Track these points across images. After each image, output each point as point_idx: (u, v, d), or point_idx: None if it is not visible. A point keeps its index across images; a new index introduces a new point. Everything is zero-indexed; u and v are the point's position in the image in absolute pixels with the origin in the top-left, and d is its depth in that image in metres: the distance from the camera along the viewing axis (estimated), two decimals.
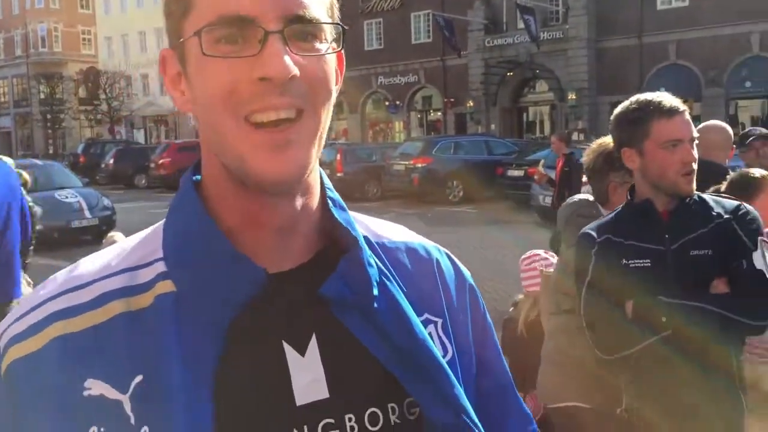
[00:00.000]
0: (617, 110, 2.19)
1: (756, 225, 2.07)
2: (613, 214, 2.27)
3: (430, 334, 0.86)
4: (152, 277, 0.80)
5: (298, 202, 0.81)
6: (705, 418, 2.04)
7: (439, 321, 0.89)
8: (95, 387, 0.75)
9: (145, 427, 0.73)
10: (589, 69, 31.63)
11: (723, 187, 2.82)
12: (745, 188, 2.72)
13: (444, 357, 0.85)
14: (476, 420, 0.83)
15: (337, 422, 0.79)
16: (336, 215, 0.84)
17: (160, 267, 0.80)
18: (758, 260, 1.99)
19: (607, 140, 2.52)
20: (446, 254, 0.97)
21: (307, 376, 0.79)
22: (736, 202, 2.14)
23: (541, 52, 32.27)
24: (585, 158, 2.62)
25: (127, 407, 0.74)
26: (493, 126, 35.42)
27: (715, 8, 29.16)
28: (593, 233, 2.18)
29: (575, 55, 32.58)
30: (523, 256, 3.48)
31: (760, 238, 2.03)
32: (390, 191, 20.42)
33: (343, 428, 0.79)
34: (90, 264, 0.83)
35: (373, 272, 0.83)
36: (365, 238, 0.87)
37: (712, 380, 2.03)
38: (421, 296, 0.88)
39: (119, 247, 0.86)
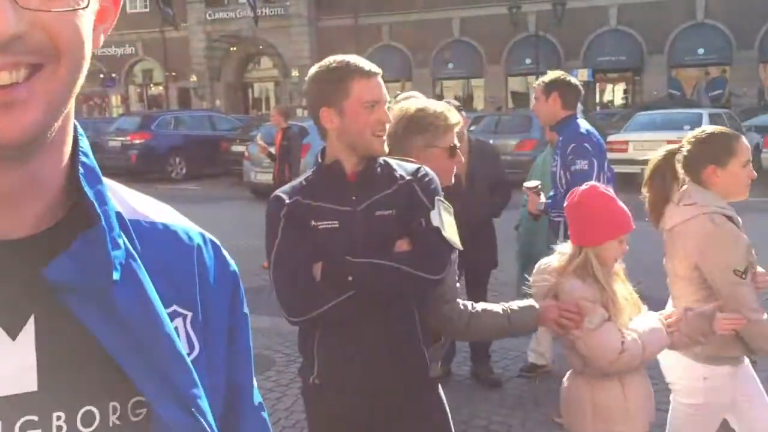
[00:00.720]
0: (314, 70, 2.16)
1: (434, 186, 2.18)
2: (303, 176, 2.26)
3: (176, 328, 0.78)
4: None
5: (36, 165, 0.70)
6: (388, 376, 2.11)
7: (189, 315, 0.81)
8: None
9: None
10: (311, 47, 32.37)
11: (685, 148, 2.66)
12: (716, 153, 2.61)
13: (189, 355, 0.78)
14: (213, 424, 0.77)
15: (41, 420, 0.69)
16: (84, 186, 0.73)
17: None
18: (435, 218, 2.10)
19: (407, 105, 2.47)
20: (212, 242, 0.88)
21: (14, 365, 0.68)
22: (416, 165, 2.24)
23: (264, 28, 32.33)
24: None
25: None
26: (218, 102, 34.86)
27: None
28: (284, 196, 2.15)
29: (297, 33, 33.14)
30: None
31: (436, 197, 2.15)
32: (105, 169, 18.73)
33: (47, 427, 0.69)
34: None
35: (118, 254, 0.73)
36: (118, 214, 0.76)
37: (396, 337, 2.11)
38: (172, 285, 0.80)
39: None
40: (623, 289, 2.45)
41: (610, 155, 17.14)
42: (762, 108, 24.36)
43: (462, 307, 2.29)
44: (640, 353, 2.33)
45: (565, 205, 2.54)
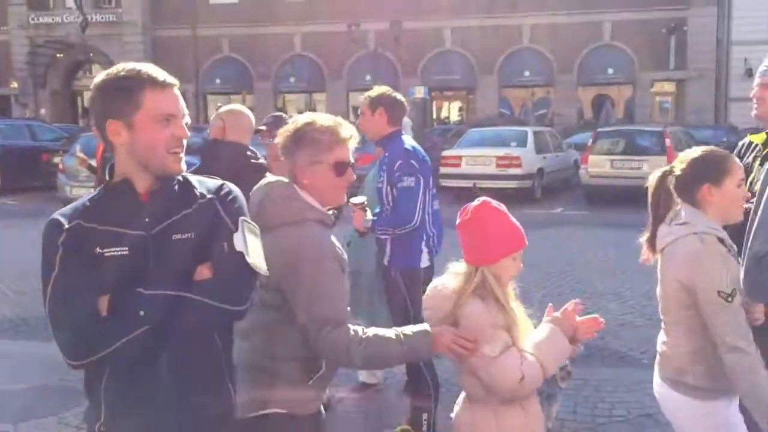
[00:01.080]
0: (101, 78, 1.91)
1: (238, 204, 2.00)
2: (87, 196, 1.99)
3: None
4: None
5: None
6: (187, 421, 1.89)
7: None
8: None
9: None
10: (146, 56, 31.00)
11: (678, 168, 2.53)
12: (711, 172, 2.49)
13: None
14: None
15: None
16: None
17: None
18: (239, 242, 1.92)
19: (299, 117, 2.30)
20: None
21: None
22: (219, 182, 2.05)
23: (95, 34, 30.69)
24: (278, 138, 2.35)
25: None
26: (42, 110, 32.58)
27: (261, 8, 31.18)
28: (62, 219, 1.87)
29: (131, 42, 31.75)
30: None
31: (241, 218, 1.97)
32: None
33: None
34: None
35: None
36: None
37: (197, 376, 1.91)
38: None
39: None
40: (519, 308, 2.36)
41: (444, 170, 17.57)
42: (581, 127, 26.37)
43: (353, 332, 2.12)
44: (540, 375, 2.25)
45: (457, 222, 2.40)
